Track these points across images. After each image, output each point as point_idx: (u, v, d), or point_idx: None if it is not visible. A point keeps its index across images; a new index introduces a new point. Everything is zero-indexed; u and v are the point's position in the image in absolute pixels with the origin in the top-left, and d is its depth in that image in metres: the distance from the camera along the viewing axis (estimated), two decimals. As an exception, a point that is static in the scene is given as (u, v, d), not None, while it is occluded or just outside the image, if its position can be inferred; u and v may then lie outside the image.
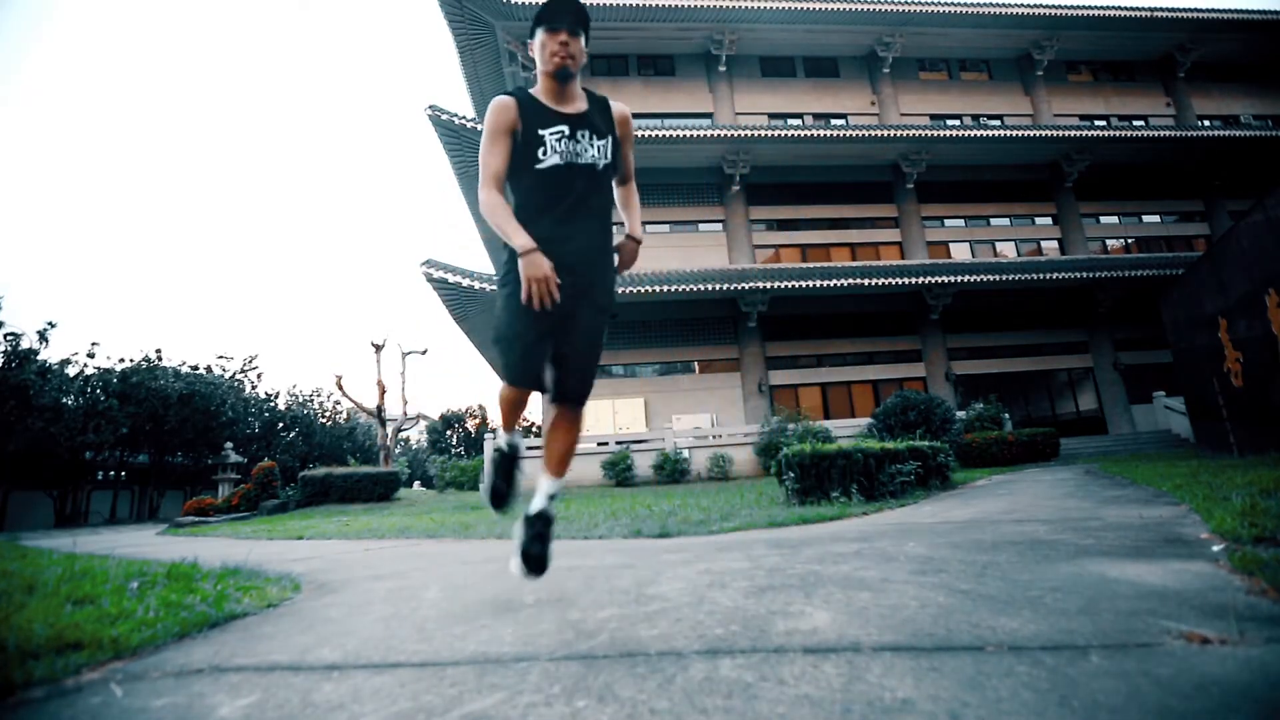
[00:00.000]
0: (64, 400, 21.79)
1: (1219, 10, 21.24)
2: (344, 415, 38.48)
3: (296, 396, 35.02)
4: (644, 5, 18.80)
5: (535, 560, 1.65)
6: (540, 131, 1.60)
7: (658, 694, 0.93)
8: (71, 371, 22.90)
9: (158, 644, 1.45)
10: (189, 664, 1.26)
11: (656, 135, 17.44)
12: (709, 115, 21.04)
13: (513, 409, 1.84)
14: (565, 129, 1.61)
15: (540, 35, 1.63)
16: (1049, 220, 21.53)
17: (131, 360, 24.98)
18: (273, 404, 32.37)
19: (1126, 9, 20.93)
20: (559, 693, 0.96)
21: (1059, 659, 0.98)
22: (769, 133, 18.02)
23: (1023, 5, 20.34)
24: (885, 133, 18.40)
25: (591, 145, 1.63)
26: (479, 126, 17.29)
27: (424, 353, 20.62)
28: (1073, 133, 18.92)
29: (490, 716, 0.88)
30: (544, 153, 1.59)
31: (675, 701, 0.90)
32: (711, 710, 0.86)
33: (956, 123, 21.74)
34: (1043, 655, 1.00)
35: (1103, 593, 1.41)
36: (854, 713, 0.82)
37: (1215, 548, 1.90)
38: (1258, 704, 0.79)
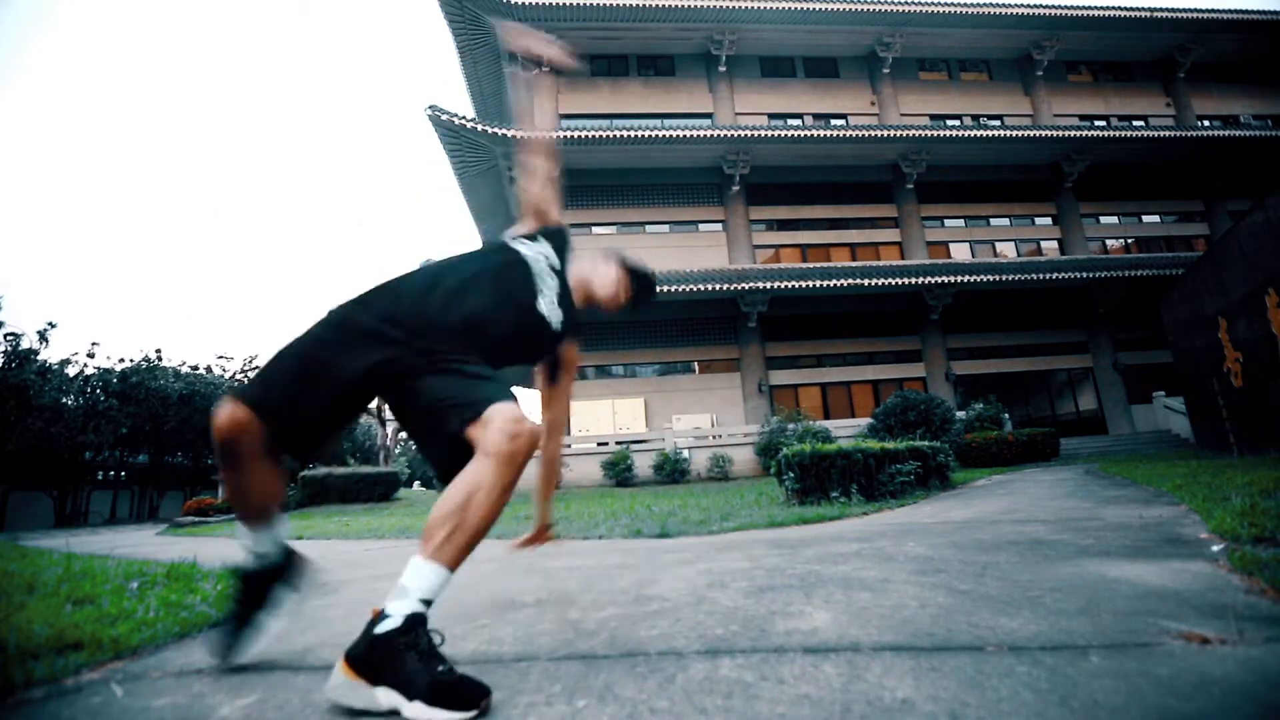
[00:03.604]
0: (64, 400, 21.78)
1: (1219, 10, 21.23)
2: (344, 415, 38.36)
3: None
4: (644, 5, 18.80)
5: None
6: None
7: (658, 694, 0.93)
8: (71, 371, 22.87)
9: (158, 644, 1.45)
10: (189, 664, 1.26)
11: (656, 135, 17.44)
12: (709, 115, 21.04)
13: None
14: None
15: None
16: (1049, 220, 21.52)
17: (131, 360, 24.96)
18: (273, 404, 32.30)
19: (1126, 9, 20.92)
20: (559, 692, 0.96)
21: (1059, 659, 0.98)
22: (769, 133, 18.01)
23: (1023, 5, 20.34)
24: (885, 133, 18.39)
25: None
26: (479, 126, 17.29)
27: (424, 353, 20.58)
28: (1073, 133, 18.91)
29: (491, 715, 0.88)
30: None
31: (675, 701, 0.90)
32: (711, 710, 0.86)
33: (956, 123, 21.73)
34: (1042, 655, 1.00)
35: (1102, 593, 1.41)
36: (854, 712, 0.82)
37: (1215, 548, 1.91)
38: (1257, 704, 0.79)
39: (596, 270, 1.49)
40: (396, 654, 0.93)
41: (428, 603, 0.99)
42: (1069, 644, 1.05)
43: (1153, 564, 1.74)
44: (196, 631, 1.58)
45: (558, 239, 1.49)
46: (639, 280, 1.51)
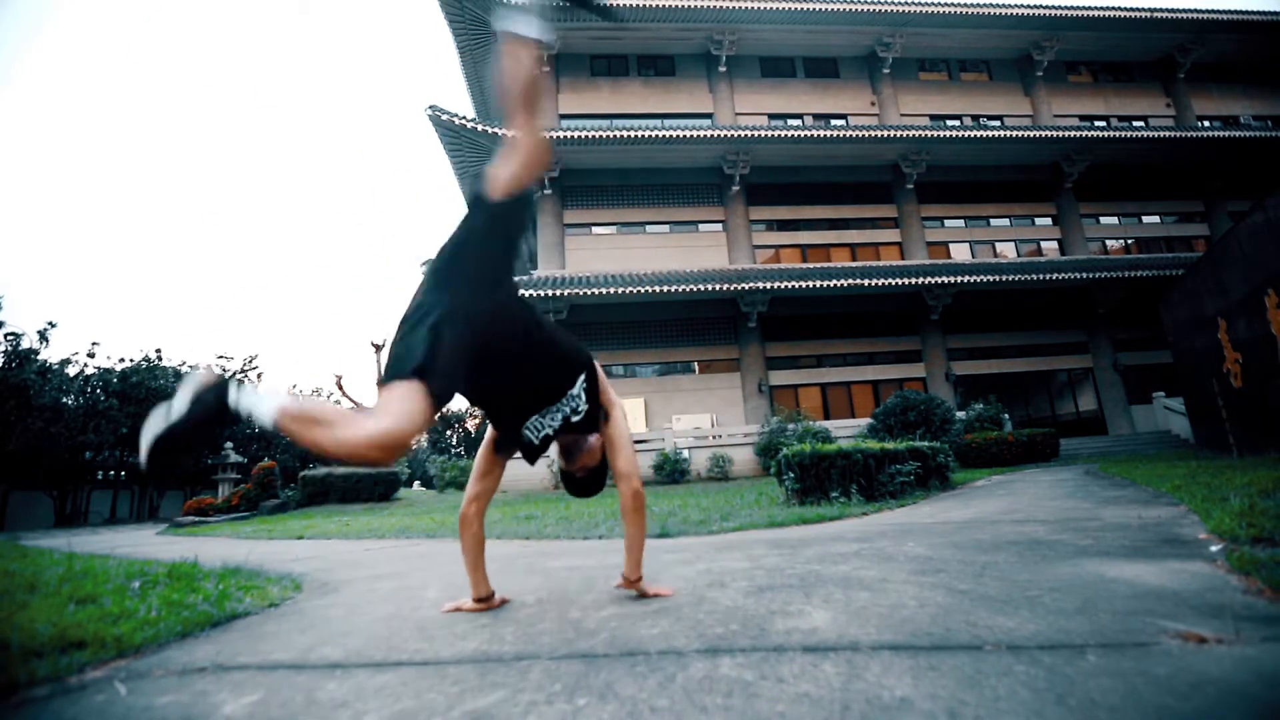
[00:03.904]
0: (64, 400, 21.80)
1: (1219, 11, 21.23)
2: (344, 415, 38.38)
3: (297, 396, 34.99)
4: (644, 5, 18.80)
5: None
6: None
7: (658, 692, 0.94)
8: (72, 371, 22.90)
9: (160, 643, 1.46)
10: (192, 662, 1.27)
11: (656, 136, 17.44)
12: (709, 116, 21.04)
13: None
14: None
15: None
16: (1049, 221, 21.52)
17: (131, 360, 24.98)
18: (273, 404, 32.30)
19: (1126, 10, 20.92)
20: (560, 690, 0.97)
21: (1056, 658, 0.99)
22: (769, 133, 18.01)
23: (1023, 6, 20.33)
24: (885, 133, 18.39)
25: None
26: (479, 126, 17.29)
27: (424, 353, 20.60)
28: (1073, 133, 18.90)
29: (492, 714, 0.89)
30: None
31: (675, 699, 0.90)
32: (711, 708, 0.86)
33: (956, 123, 21.72)
34: (1040, 654, 1.01)
35: (1101, 593, 1.42)
36: (853, 711, 0.83)
37: (1213, 548, 1.91)
38: (1253, 703, 0.80)
39: (590, 441, 1.69)
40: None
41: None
42: (1067, 643, 1.06)
43: (1151, 564, 1.74)
44: (199, 631, 1.59)
45: (595, 422, 1.68)
46: (596, 470, 1.73)
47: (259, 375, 31.36)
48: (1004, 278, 17.36)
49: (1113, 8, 20.91)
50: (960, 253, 20.94)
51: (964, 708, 0.82)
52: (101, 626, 1.50)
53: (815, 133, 18.26)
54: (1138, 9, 20.90)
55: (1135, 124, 22.57)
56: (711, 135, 17.72)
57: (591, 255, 18.92)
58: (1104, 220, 21.86)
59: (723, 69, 20.99)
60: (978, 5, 20.17)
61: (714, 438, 15.36)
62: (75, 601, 1.87)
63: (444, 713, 0.90)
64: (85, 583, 2.27)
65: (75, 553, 3.97)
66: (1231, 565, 1.60)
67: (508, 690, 0.98)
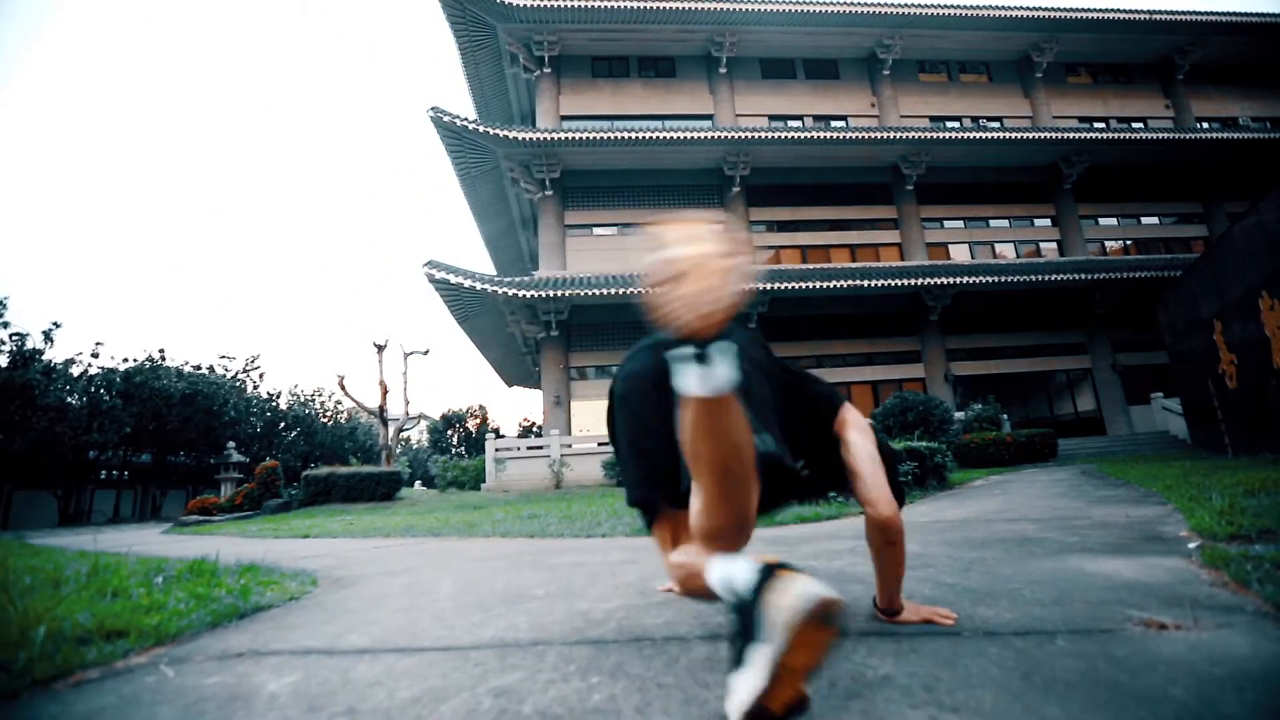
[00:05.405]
0: (68, 400, 21.92)
1: (1218, 13, 21.31)
2: (345, 415, 38.56)
3: (298, 396, 35.10)
4: (645, 7, 18.89)
5: None
6: None
7: (664, 671, 1.03)
8: (75, 371, 23.01)
9: (194, 632, 1.55)
10: (229, 649, 1.36)
11: (657, 137, 17.53)
12: (710, 117, 21.13)
13: None
14: None
15: None
16: (1048, 222, 21.60)
17: (135, 360, 25.09)
18: (274, 404, 32.44)
19: (1125, 12, 21.00)
20: (574, 671, 1.06)
21: (1027, 642, 1.08)
22: (769, 134, 18.10)
23: (1022, 8, 20.43)
24: (885, 134, 18.47)
25: None
26: (480, 128, 17.39)
27: (426, 353, 20.72)
28: (1072, 135, 18.99)
29: (515, 690, 0.98)
30: None
31: (680, 677, 1.00)
32: (713, 684, 0.96)
33: (956, 124, 21.81)
34: (1013, 639, 1.10)
35: (1077, 585, 1.51)
36: (839, 687, 0.92)
37: (1191, 544, 2.00)
38: (1198, 679, 0.89)
39: None
40: None
41: None
42: (1039, 630, 1.15)
43: (1130, 559, 1.84)
44: (228, 621, 1.68)
45: None
46: None
47: (261, 375, 31.45)
48: (1003, 278, 17.45)
49: (1112, 10, 20.98)
50: (960, 253, 21.02)
51: (938, 683, 0.91)
52: (136, 617, 1.59)
53: (815, 134, 18.34)
54: (1137, 11, 20.98)
55: (1134, 125, 22.64)
56: (712, 137, 17.81)
57: (592, 256, 19.00)
58: (1103, 221, 21.94)
59: (723, 70, 21.08)
60: (977, 7, 20.27)
61: (714, 438, 15.43)
62: (107, 594, 1.96)
63: (471, 689, 0.99)
64: (111, 578, 2.36)
65: (86, 550, 4.06)
66: (1204, 561, 1.70)
67: (527, 671, 1.07)
